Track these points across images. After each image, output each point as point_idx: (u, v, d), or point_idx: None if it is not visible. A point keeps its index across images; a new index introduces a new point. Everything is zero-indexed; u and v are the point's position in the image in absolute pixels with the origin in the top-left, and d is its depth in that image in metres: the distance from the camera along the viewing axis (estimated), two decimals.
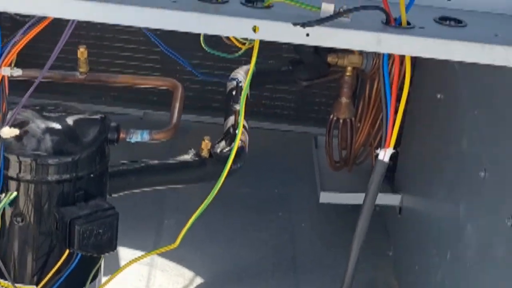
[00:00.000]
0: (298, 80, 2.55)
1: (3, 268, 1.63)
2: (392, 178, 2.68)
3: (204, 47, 1.50)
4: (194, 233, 2.63)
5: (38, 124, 1.73)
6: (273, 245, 2.63)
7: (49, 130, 1.73)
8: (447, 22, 1.35)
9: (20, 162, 1.69)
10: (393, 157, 2.73)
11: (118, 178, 1.88)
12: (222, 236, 2.63)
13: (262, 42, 1.35)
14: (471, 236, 1.87)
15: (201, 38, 1.46)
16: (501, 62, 1.28)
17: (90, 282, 1.82)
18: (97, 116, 1.79)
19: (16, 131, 1.41)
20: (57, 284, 1.75)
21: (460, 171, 2.00)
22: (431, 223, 2.23)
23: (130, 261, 1.74)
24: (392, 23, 1.32)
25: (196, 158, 1.99)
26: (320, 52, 2.49)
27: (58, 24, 1.41)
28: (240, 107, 1.52)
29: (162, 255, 2.50)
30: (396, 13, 1.33)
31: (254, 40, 1.37)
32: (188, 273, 2.46)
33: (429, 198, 2.29)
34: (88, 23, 1.35)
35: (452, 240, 1.99)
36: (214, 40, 1.49)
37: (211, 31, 1.29)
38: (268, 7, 1.33)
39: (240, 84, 2.08)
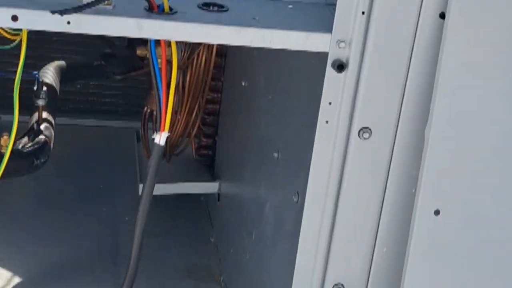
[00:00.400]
0: (112, 74, 2.55)
1: None
2: (212, 166, 2.74)
3: None
4: (14, 232, 2.62)
5: None
6: (95, 240, 2.63)
7: None
8: (210, 8, 1.40)
9: None
10: (211, 146, 2.81)
11: None
12: (43, 235, 2.61)
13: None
14: (269, 214, 1.95)
15: None
16: (258, 43, 1.34)
17: None
18: None
19: None
20: None
21: (260, 153, 2.07)
22: (241, 206, 2.30)
23: None
24: (155, 10, 1.35)
25: None
26: (132, 45, 2.51)
27: None
28: (14, 100, 1.51)
29: None
30: (160, 1, 1.37)
31: (20, 30, 1.38)
32: (5, 274, 2.42)
33: (239, 183, 2.36)
34: None
35: (256, 221, 2.06)
36: None
37: None
38: None
39: (41, 80, 2.07)
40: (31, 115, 2.18)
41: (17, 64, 1.41)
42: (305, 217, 1.49)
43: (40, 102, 2.08)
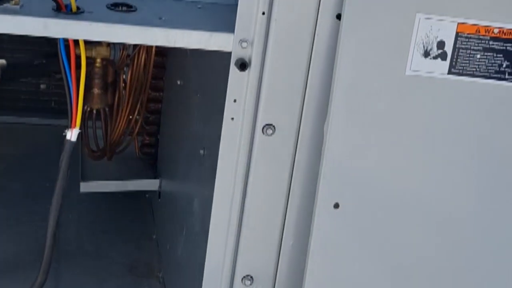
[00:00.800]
0: (52, 73, 2.59)
1: None
2: (155, 164, 2.78)
3: None
4: None
5: None
6: (36, 237, 2.66)
7: None
8: (119, 8, 1.44)
9: None
10: (154, 144, 2.85)
11: None
12: None
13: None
14: (197, 210, 2.00)
15: None
16: (162, 42, 1.39)
17: None
18: None
19: None
20: None
21: (190, 150, 2.12)
22: (176, 203, 2.34)
23: None
24: (63, 10, 1.40)
25: None
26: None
27: None
28: None
29: None
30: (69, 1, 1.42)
31: None
32: None
33: (174, 180, 2.40)
34: None
35: (186, 217, 2.11)
36: None
37: None
38: None
39: None
40: None
41: None
42: (214, 212, 1.54)
43: None
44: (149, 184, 2.72)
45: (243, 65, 1.43)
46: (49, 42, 2.65)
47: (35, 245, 2.61)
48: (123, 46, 2.49)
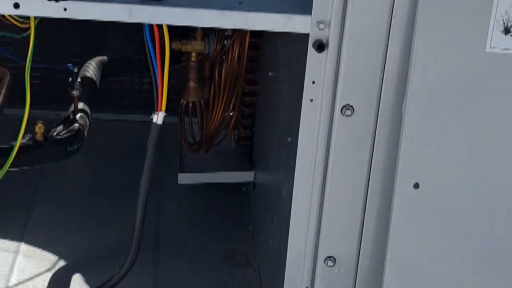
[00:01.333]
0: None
1: None
2: (250, 156, 2.83)
3: None
4: (62, 218, 2.78)
5: None
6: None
7: None
8: None
9: None
10: (250, 137, 2.90)
11: None
12: (88, 221, 2.75)
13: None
14: (286, 199, 2.02)
15: None
16: (241, 26, 1.42)
17: None
18: None
19: None
20: None
21: (280, 140, 2.15)
22: (268, 193, 2.38)
23: None
24: None
25: (31, 142, 2.11)
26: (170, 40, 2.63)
27: None
28: (26, 89, 1.62)
29: (28, 241, 2.62)
30: None
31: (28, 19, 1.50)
32: (52, 257, 2.56)
33: (266, 170, 2.44)
34: None
35: (276, 206, 2.14)
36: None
37: None
38: None
39: (75, 70, 2.20)
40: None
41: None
42: (295, 194, 1.57)
43: (75, 93, 2.21)
44: (245, 176, 2.76)
45: (320, 47, 1.45)
46: None
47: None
48: (217, 40, 2.55)
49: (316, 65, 1.48)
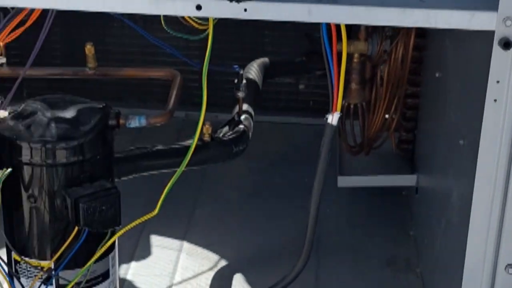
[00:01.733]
0: (312, 70, 2.67)
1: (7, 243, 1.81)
2: (411, 160, 2.77)
3: (166, 29, 1.64)
4: (223, 219, 2.82)
5: (45, 114, 1.92)
6: (298, 230, 2.75)
7: (55, 119, 1.92)
8: None
9: (31, 148, 1.88)
10: (411, 140, 2.84)
11: (125, 162, 2.06)
12: (249, 222, 2.77)
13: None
14: (456, 202, 1.96)
15: (162, 21, 1.61)
16: (422, 24, 1.38)
17: (102, 258, 1.99)
18: (99, 105, 1.97)
19: (5, 113, 1.59)
20: (68, 258, 1.93)
21: (449, 143, 2.08)
22: (433, 197, 2.31)
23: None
24: None
25: (199, 142, 2.15)
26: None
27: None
28: (202, 90, 1.65)
29: (190, 240, 2.68)
30: None
31: (207, 21, 1.52)
32: (213, 256, 2.60)
33: (432, 174, 2.37)
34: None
35: (444, 209, 2.08)
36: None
37: (160, 12, 1.45)
38: None
39: (241, 72, 2.22)
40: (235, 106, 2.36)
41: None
42: (475, 198, 1.51)
43: (240, 94, 2.23)
44: (407, 180, 2.71)
45: (507, 44, 1.39)
46: (310, 40, 2.75)
47: (298, 237, 2.70)
48: (381, 41, 2.51)
49: (501, 64, 1.42)
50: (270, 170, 3.09)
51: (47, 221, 1.94)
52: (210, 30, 1.54)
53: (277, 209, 2.86)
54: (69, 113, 1.94)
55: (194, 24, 1.55)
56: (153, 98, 3.45)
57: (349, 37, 2.55)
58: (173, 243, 2.66)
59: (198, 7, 1.43)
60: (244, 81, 2.23)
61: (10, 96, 1.57)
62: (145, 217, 1.78)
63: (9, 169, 1.67)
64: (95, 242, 1.97)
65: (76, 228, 1.90)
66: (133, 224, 1.79)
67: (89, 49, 2.10)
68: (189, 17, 1.52)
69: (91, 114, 1.95)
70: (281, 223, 2.78)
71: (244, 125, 2.25)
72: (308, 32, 2.70)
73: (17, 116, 1.93)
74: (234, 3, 1.41)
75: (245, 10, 1.43)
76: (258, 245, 2.67)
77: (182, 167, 1.70)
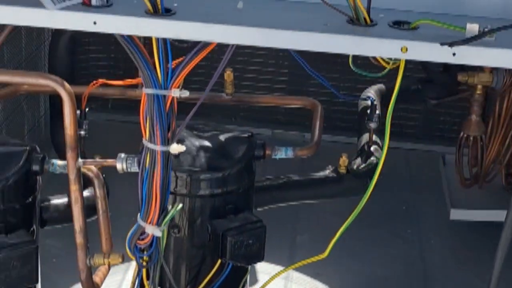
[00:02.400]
0: (427, 99, 2.61)
1: (169, 275, 1.75)
2: None
3: (352, 68, 1.59)
4: (324, 247, 2.75)
5: (193, 142, 1.86)
6: (403, 260, 2.69)
7: (202, 148, 1.86)
8: None
9: (176, 177, 1.82)
10: None
11: (263, 192, 2.01)
12: (353, 250, 2.71)
13: None
14: None
15: (350, 60, 1.55)
16: None
17: None
18: (245, 134, 1.92)
19: (183, 148, 1.54)
20: None
21: None
22: None
23: (279, 272, 1.84)
24: None
25: (335, 174, 2.09)
26: (449, 70, 2.56)
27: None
28: (386, 125, 1.59)
29: (297, 269, 2.61)
30: None
31: (399, 60, 1.46)
32: (321, 286, 2.54)
33: None
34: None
35: None
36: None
37: (363, 52, 1.39)
38: (415, 28, 1.42)
39: (375, 103, 2.16)
40: (358, 136, 2.29)
41: None
42: None
43: (372, 125, 2.17)
44: None
45: None
46: (425, 69, 2.69)
47: (402, 269, 2.64)
48: (508, 73, 2.45)
49: None
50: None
51: (188, 252, 1.88)
52: (401, 70, 1.48)
53: (378, 237, 2.80)
54: (216, 142, 1.88)
55: (383, 63, 1.49)
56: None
57: (474, 68, 2.51)
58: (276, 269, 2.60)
59: (404, 49, 1.38)
60: (378, 112, 2.17)
61: (189, 118, 1.52)
62: (314, 259, 1.71)
63: (180, 205, 1.61)
64: (233, 276, 1.92)
65: (219, 261, 1.85)
66: (297, 265, 1.73)
67: (228, 75, 2.05)
68: (381, 58, 1.47)
69: (238, 144, 1.90)
70: (381, 252, 2.71)
71: (376, 157, 2.18)
72: (424, 64, 2.64)
73: None
74: (445, 47, 1.35)
75: (454, 54, 1.36)
76: (363, 273, 2.61)
77: (360, 207, 1.63)
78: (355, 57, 1.51)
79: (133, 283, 1.70)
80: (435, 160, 3.04)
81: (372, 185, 1.62)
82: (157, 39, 1.47)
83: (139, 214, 1.60)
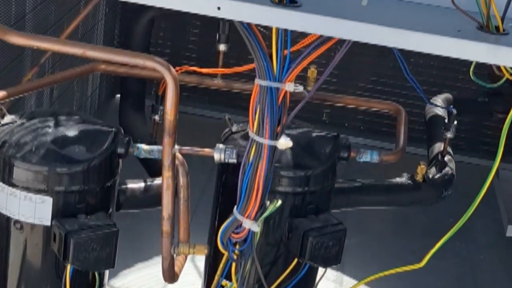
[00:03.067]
0: (494, 112, 2.57)
1: (259, 271, 1.70)
2: None
3: (472, 77, 1.55)
4: (375, 254, 2.71)
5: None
6: (454, 274, 2.65)
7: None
8: None
9: None
10: None
11: (340, 195, 1.95)
12: (401, 259, 2.66)
13: None
14: None
15: (471, 68, 1.51)
16: None
17: None
18: (332, 134, 1.87)
19: (290, 143, 1.49)
20: None
21: None
22: None
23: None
24: None
25: (411, 182, 2.04)
26: None
27: None
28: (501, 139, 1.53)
29: (348, 274, 2.57)
30: None
31: None
32: None
33: None
34: None
35: None
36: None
37: (497, 61, 1.35)
38: None
39: (455, 113, 2.11)
40: (429, 144, 2.25)
41: None
42: None
43: (449, 135, 2.12)
44: None
45: None
46: (492, 81, 2.64)
47: (453, 282, 2.60)
48: None
49: None
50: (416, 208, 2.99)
51: (261, 249, 1.83)
52: None
53: (427, 249, 2.76)
54: (302, 140, 1.83)
55: (506, 74, 1.44)
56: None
57: None
58: (331, 274, 2.56)
59: None
60: (456, 122, 2.12)
61: (294, 113, 1.47)
62: (410, 267, 1.67)
63: (279, 201, 1.56)
64: (308, 277, 1.87)
65: (296, 260, 1.80)
66: (393, 271, 1.68)
67: (312, 72, 2.00)
68: (505, 68, 1.42)
69: (324, 144, 1.84)
70: (434, 264, 2.65)
71: (450, 167, 2.14)
72: (491, 73, 2.59)
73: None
74: None
75: None
76: (413, 285, 2.57)
77: (464, 220, 1.59)
78: None
79: (219, 276, 1.65)
80: (479, 173, 3.00)
81: (477, 202, 1.56)
82: (278, 30, 1.42)
83: (235, 207, 1.55)
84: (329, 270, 2.52)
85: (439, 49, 1.36)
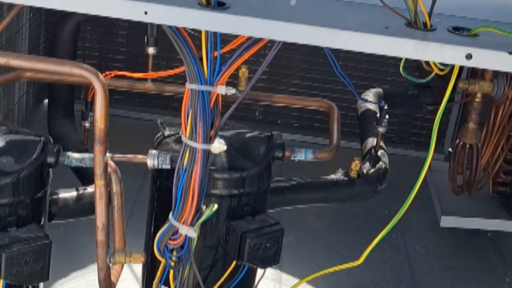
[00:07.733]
0: (424, 105, 2.60)
1: (198, 276, 1.68)
2: (508, 205, 2.72)
3: (402, 73, 1.56)
4: (313, 251, 2.71)
5: None
6: (390, 266, 2.68)
7: None
8: None
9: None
10: (509, 183, 2.79)
11: (276, 194, 1.95)
12: (339, 255, 2.69)
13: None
14: None
15: (401, 64, 1.52)
16: None
17: None
18: (265, 134, 1.86)
19: (224, 147, 1.48)
20: None
21: None
22: None
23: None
24: None
25: (346, 178, 2.05)
26: (446, 77, 2.55)
27: None
28: (433, 131, 1.54)
29: (287, 271, 2.58)
30: None
31: (449, 66, 1.44)
32: None
33: None
34: None
35: None
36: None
37: (425, 57, 1.36)
38: (475, 35, 1.39)
39: (386, 107, 2.12)
40: (362, 140, 2.26)
41: None
42: None
43: (381, 129, 2.13)
44: (505, 225, 2.66)
45: None
46: (422, 75, 2.68)
47: (391, 274, 2.62)
48: (509, 83, 2.46)
49: None
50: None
51: (199, 253, 1.81)
52: (454, 76, 1.45)
53: (363, 242, 2.78)
54: (236, 142, 1.82)
55: (435, 69, 1.46)
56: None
57: (474, 76, 2.51)
58: (270, 272, 2.56)
59: (468, 56, 1.35)
60: (387, 117, 2.14)
61: (226, 116, 1.46)
62: (349, 265, 1.67)
63: (216, 205, 1.54)
64: (247, 279, 1.87)
65: (234, 262, 1.79)
66: (331, 269, 1.69)
67: (243, 72, 1.98)
68: (433, 63, 1.43)
69: (258, 144, 1.84)
70: (371, 257, 2.68)
71: (383, 161, 2.16)
72: (420, 66, 2.62)
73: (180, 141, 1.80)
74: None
75: None
76: (351, 277, 2.59)
77: (398, 217, 1.60)
78: None
79: (157, 284, 1.62)
80: (410, 164, 3.04)
81: (413, 195, 1.57)
82: (207, 33, 1.40)
83: (171, 213, 1.53)
84: (267, 269, 2.54)
85: (368, 47, 1.37)
